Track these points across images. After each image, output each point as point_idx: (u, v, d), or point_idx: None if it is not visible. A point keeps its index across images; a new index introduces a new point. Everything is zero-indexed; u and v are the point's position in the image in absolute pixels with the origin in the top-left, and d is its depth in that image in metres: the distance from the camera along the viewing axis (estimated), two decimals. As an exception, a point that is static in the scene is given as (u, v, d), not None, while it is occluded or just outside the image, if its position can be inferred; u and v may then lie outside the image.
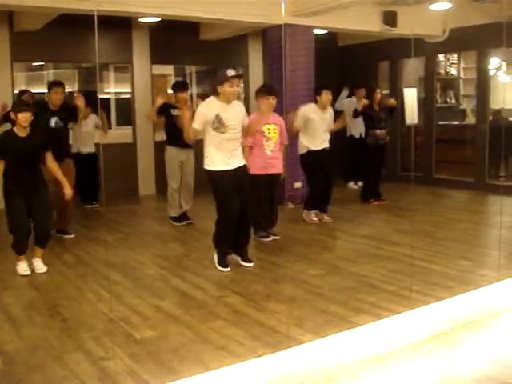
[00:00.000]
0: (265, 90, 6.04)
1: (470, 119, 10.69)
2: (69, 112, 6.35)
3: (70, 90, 10.19)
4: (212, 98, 5.00)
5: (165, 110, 6.84)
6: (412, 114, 10.82)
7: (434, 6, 8.05)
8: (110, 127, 9.71)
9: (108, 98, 9.95)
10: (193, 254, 5.76)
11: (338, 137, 8.11)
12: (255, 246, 5.98)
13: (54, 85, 6.27)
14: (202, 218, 7.00)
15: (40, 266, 5.14)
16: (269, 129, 5.92)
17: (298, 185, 7.95)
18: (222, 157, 4.95)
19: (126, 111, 9.66)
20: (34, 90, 8.76)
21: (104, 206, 7.75)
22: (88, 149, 8.18)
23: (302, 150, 6.88)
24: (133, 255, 5.73)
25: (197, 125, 4.94)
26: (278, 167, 6.08)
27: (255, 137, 5.84)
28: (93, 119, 8.23)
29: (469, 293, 4.15)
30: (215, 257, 5.14)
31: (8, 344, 3.58)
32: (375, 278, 4.78)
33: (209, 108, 4.94)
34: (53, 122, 6.11)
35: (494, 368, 3.22)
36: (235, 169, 5.01)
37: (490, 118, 9.28)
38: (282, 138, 6.11)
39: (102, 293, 4.54)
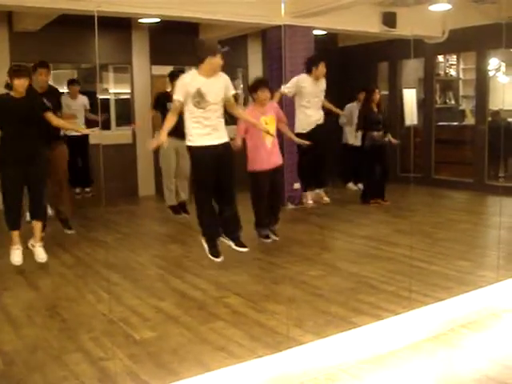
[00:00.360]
0: (259, 83, 5.95)
1: (470, 120, 10.70)
2: (55, 96, 6.18)
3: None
4: (193, 71, 4.87)
5: (160, 103, 6.84)
6: (411, 115, 10.82)
7: (433, 7, 8.06)
8: (109, 128, 9.70)
9: (108, 99, 9.92)
10: (192, 254, 5.75)
11: (335, 142, 8.18)
12: (255, 246, 5.98)
13: (40, 66, 6.07)
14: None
15: (40, 253, 5.13)
16: (265, 120, 5.80)
17: (297, 185, 7.94)
18: (202, 132, 4.83)
19: (125, 112, 9.65)
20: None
21: (103, 206, 7.74)
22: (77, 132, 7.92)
23: (297, 129, 7.12)
24: (132, 256, 5.72)
25: (179, 96, 4.77)
26: (278, 158, 5.98)
27: (254, 132, 5.72)
28: (82, 100, 8.18)
29: (468, 293, 4.16)
30: (204, 244, 5.07)
31: (7, 344, 3.58)
32: (375, 278, 4.78)
33: (191, 81, 4.79)
34: None
35: (494, 368, 3.22)
36: (217, 145, 4.88)
37: (489, 118, 9.30)
38: (281, 118, 6.09)
39: (102, 293, 4.54)
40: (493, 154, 9.13)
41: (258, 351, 3.35)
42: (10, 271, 5.12)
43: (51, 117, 5.21)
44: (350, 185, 9.76)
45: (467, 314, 3.86)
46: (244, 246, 5.10)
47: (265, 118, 5.83)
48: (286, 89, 7.11)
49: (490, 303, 4.07)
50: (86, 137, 8.14)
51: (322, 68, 7.12)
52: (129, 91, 9.49)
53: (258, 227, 6.01)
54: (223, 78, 4.95)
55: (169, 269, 5.27)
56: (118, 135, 9.53)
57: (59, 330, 3.82)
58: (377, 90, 8.18)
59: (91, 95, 8.95)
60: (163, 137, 4.81)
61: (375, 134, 8.08)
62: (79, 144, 7.92)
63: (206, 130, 4.84)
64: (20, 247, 5.10)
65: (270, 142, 5.83)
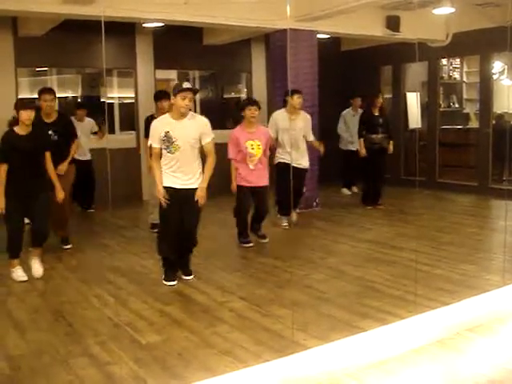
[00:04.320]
0: (247, 101, 6.09)
1: (473, 123, 10.69)
2: (64, 127, 6.04)
3: (74, 94, 10.23)
4: (166, 115, 4.78)
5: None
6: (415, 119, 10.82)
7: (437, 11, 8.07)
8: (113, 132, 9.73)
9: (112, 103, 9.97)
10: (196, 258, 5.73)
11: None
12: (257, 250, 6.00)
13: (44, 92, 5.94)
14: (205, 224, 6.99)
15: (37, 269, 5.13)
16: (252, 145, 5.92)
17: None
18: (172, 174, 4.73)
19: (129, 116, 9.68)
20: (37, 96, 8.79)
21: (109, 211, 7.76)
22: (82, 156, 7.83)
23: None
24: (137, 260, 5.73)
25: (154, 143, 4.71)
26: (261, 180, 6.05)
27: (240, 152, 5.94)
28: (88, 124, 8.21)
29: (474, 297, 4.15)
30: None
31: (13, 349, 3.59)
32: (380, 282, 4.78)
33: (161, 124, 4.71)
34: None
35: (500, 373, 3.21)
36: (184, 189, 4.75)
37: (493, 121, 9.28)
38: (266, 150, 6.10)
39: (107, 298, 4.55)
40: (497, 157, 9.12)
41: (262, 355, 3.35)
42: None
43: (48, 159, 5.21)
44: (345, 190, 9.69)
45: (473, 318, 3.85)
46: (190, 274, 5.08)
47: (251, 143, 5.93)
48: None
49: (496, 307, 4.06)
50: (90, 161, 8.18)
51: (297, 99, 6.72)
52: (133, 95, 9.52)
53: (239, 236, 6.19)
54: (196, 122, 4.76)
55: (173, 273, 5.26)
56: (122, 139, 9.57)
57: (65, 334, 3.83)
58: (379, 95, 8.17)
59: (95, 100, 8.99)
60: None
61: (373, 136, 8.08)
62: (84, 168, 7.77)
63: (176, 175, 4.74)
64: (21, 267, 5.09)
65: (254, 164, 5.97)
